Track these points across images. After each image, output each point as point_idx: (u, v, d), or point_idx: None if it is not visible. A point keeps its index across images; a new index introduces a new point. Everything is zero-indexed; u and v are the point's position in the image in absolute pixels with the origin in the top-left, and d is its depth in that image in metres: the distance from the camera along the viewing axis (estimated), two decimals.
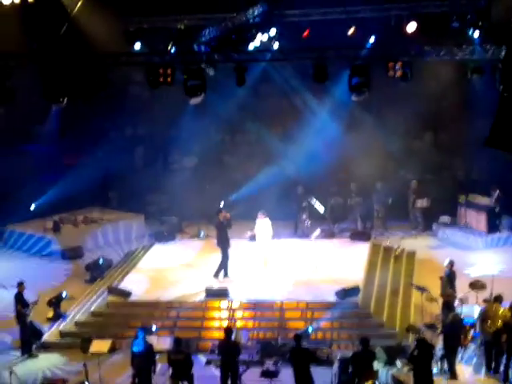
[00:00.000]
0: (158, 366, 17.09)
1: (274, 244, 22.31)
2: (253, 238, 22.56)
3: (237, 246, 23.50)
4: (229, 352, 16.48)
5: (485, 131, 11.36)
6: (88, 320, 20.42)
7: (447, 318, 17.22)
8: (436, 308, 18.97)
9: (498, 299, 17.20)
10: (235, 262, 22.34)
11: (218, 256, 21.85)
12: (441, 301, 18.79)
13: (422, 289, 19.30)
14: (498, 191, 25.16)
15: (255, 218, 22.30)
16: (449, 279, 19.08)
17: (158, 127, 30.51)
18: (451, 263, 19.36)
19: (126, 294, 20.79)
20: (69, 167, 28.54)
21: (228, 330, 16.77)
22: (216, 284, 20.95)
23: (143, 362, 16.58)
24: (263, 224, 21.89)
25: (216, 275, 21.46)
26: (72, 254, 25.65)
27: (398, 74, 18.75)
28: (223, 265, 21.55)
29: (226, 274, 21.52)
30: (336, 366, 16.89)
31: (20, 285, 19.37)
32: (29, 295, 19.57)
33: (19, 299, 19.14)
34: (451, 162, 28.45)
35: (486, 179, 26.44)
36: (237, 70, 19.44)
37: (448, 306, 18.07)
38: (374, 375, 16.03)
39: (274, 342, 18.42)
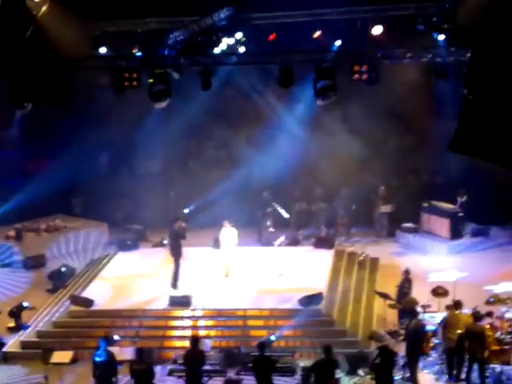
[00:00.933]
0: (120, 377, 16.91)
1: (238, 252, 22.17)
2: (216, 245, 22.39)
3: (200, 253, 23.50)
4: (194, 361, 16.34)
5: (451, 135, 11.30)
6: (50, 330, 20.19)
7: (409, 325, 17.21)
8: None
9: (458, 305, 17.24)
10: (198, 270, 22.26)
11: (182, 265, 21.66)
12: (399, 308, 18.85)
13: (384, 295, 19.33)
14: (465, 196, 25.24)
15: (219, 224, 22.19)
16: (402, 288, 19.16)
17: (122, 132, 30.27)
18: (407, 271, 19.46)
19: (89, 303, 20.58)
20: (31, 173, 28.20)
21: (194, 339, 16.67)
22: (178, 293, 20.78)
23: (105, 373, 16.39)
24: (228, 232, 21.76)
25: (174, 286, 21.25)
26: (34, 262, 25.34)
27: (364, 77, 18.79)
28: (176, 274, 21.29)
29: (174, 285, 21.28)
30: (299, 374, 16.91)
31: None
32: None
33: None
34: (417, 167, 28.53)
35: (451, 184, 26.57)
36: (203, 74, 19.41)
37: (411, 312, 18.06)
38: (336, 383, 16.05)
39: (236, 351, 18.33)
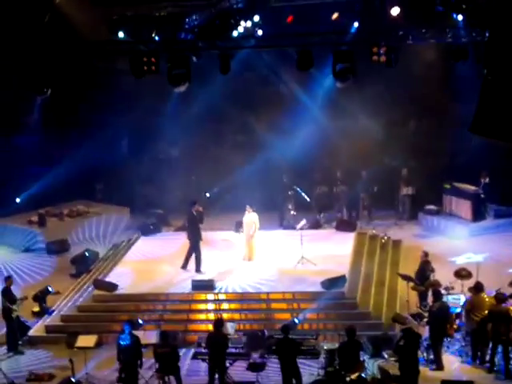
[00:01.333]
0: (144, 360, 17.02)
1: (261, 236, 22.20)
2: (238, 229, 22.42)
3: (223, 237, 23.58)
4: (217, 344, 16.42)
5: (470, 116, 11.22)
6: (74, 314, 20.35)
7: (433, 307, 17.21)
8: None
9: (480, 288, 17.20)
10: (221, 254, 22.35)
11: (204, 249, 21.75)
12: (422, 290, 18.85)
13: (407, 278, 19.29)
14: (487, 178, 25.12)
15: (241, 208, 22.23)
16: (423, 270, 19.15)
17: (142, 117, 30.33)
18: (426, 254, 19.42)
19: (112, 287, 20.70)
20: (53, 159, 28.31)
21: (218, 322, 16.80)
22: (201, 277, 20.86)
23: (129, 356, 16.51)
24: (250, 217, 21.78)
25: (198, 270, 21.29)
26: (58, 247, 25.51)
27: (382, 59, 18.66)
28: (198, 258, 21.35)
29: (198, 270, 21.35)
30: (322, 357, 16.96)
31: (7, 279, 19.27)
32: (14, 290, 19.55)
33: (6, 294, 19.02)
34: (437, 149, 28.38)
35: (472, 165, 26.42)
36: (221, 58, 19.33)
37: (434, 295, 18.03)
38: (360, 366, 16.07)
39: (260, 334, 18.38)
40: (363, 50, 18.86)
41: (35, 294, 20.74)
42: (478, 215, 24.71)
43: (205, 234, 21.90)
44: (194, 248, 21.37)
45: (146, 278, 21.46)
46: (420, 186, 26.34)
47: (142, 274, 21.70)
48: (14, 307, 18.84)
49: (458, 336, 17.57)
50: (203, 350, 17.01)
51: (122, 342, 16.54)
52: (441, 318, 16.92)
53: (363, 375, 15.80)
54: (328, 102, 27.08)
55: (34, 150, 28.74)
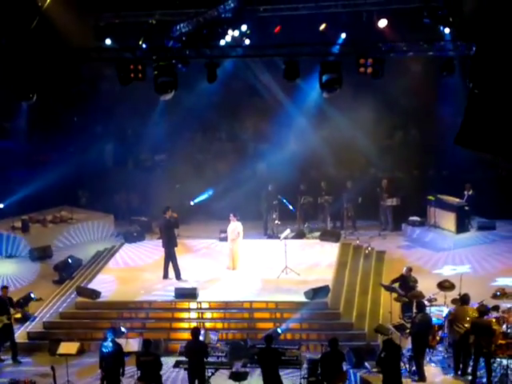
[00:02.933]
0: (127, 368, 16.92)
1: (244, 245, 22.18)
2: (222, 238, 22.36)
3: (206, 246, 23.57)
4: (196, 353, 16.42)
5: (456, 128, 11.28)
6: (56, 321, 20.23)
7: (416, 318, 17.23)
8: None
9: (465, 300, 17.26)
10: (204, 263, 22.31)
11: (188, 256, 21.74)
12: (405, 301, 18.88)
13: (390, 289, 19.34)
14: (471, 190, 25.23)
15: (224, 217, 22.20)
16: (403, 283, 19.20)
17: (128, 124, 30.34)
18: (409, 269, 19.46)
19: (95, 294, 20.61)
20: (37, 165, 28.25)
21: (195, 331, 16.72)
22: (184, 285, 20.80)
23: (112, 364, 16.47)
24: (234, 226, 21.74)
25: (178, 277, 21.21)
26: (40, 254, 25.37)
27: (369, 70, 18.72)
28: (176, 265, 21.22)
29: (178, 277, 21.28)
30: (305, 367, 16.94)
31: (3, 289, 19.02)
32: None
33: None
34: (422, 160, 28.51)
35: (457, 178, 26.56)
36: (208, 66, 19.32)
37: (417, 306, 18.06)
38: (342, 377, 16.09)
39: (243, 343, 18.38)
40: (350, 61, 18.90)
41: (17, 301, 20.53)
42: (461, 227, 24.75)
43: (188, 242, 21.81)
44: (170, 255, 21.21)
45: (129, 285, 21.38)
46: (404, 197, 26.37)
47: (125, 282, 21.62)
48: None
49: (440, 347, 17.61)
50: (185, 359, 16.96)
51: (104, 350, 16.49)
52: (423, 330, 16.96)
53: None
54: (314, 112, 27.17)
55: (18, 156, 28.64)
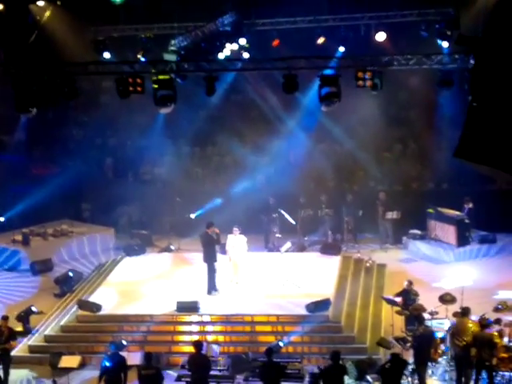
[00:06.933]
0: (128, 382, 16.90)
1: (247, 258, 22.15)
2: (223, 251, 22.36)
3: None
4: (199, 366, 16.37)
5: (455, 142, 11.31)
6: (58, 335, 20.20)
7: (417, 332, 17.21)
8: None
9: (466, 313, 17.24)
10: (206, 276, 22.33)
11: (189, 270, 21.65)
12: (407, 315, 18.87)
13: (392, 302, 19.34)
14: (471, 204, 25.26)
15: (226, 230, 22.18)
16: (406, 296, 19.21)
17: (128, 137, 30.41)
18: (410, 282, 19.46)
19: (96, 307, 20.59)
20: (37, 178, 28.27)
21: (198, 344, 16.67)
22: (186, 298, 20.72)
23: (114, 377, 16.38)
24: (237, 239, 21.68)
25: (209, 292, 21.08)
26: (41, 267, 25.32)
27: (368, 83, 18.77)
28: (212, 280, 21.14)
29: (215, 289, 21.14)
30: (307, 380, 16.91)
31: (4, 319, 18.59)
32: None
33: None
34: (421, 173, 28.55)
35: (457, 191, 26.60)
36: (207, 80, 19.35)
37: (418, 319, 18.06)
38: None
39: (244, 357, 18.35)
40: (348, 75, 18.98)
41: (18, 314, 20.54)
42: (462, 240, 24.75)
43: (189, 256, 21.75)
44: (210, 270, 21.12)
45: (131, 298, 21.34)
46: (404, 211, 26.35)
47: (126, 295, 21.59)
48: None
49: (442, 361, 17.58)
50: (187, 372, 16.93)
51: (107, 363, 16.41)
52: (425, 343, 16.91)
53: None
54: (313, 126, 27.23)
55: (19, 169, 28.68)
